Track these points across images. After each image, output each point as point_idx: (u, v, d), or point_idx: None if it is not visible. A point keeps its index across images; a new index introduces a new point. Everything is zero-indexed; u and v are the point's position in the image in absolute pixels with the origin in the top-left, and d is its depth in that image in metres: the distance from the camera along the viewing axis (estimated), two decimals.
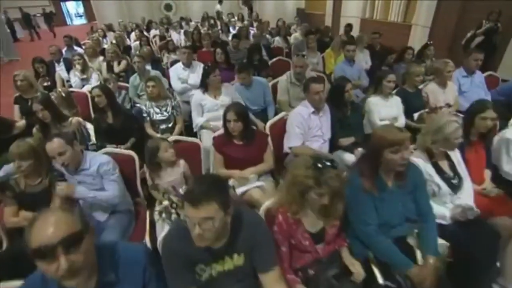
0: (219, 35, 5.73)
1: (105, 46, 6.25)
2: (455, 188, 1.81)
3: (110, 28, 8.19)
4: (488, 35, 5.18)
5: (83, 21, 21.28)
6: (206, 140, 2.72)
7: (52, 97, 2.98)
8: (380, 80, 2.68)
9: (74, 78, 3.96)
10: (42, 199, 1.78)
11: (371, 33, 4.94)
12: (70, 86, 4.03)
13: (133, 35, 7.17)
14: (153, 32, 7.92)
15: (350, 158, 2.40)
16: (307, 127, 2.32)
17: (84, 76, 3.99)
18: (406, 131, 1.51)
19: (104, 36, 7.06)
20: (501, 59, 5.42)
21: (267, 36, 5.91)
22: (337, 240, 1.57)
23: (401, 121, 2.72)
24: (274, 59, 4.32)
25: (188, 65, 3.54)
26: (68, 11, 20.95)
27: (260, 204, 1.87)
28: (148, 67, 3.94)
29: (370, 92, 2.79)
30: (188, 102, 3.50)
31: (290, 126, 2.32)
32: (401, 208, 1.57)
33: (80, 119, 2.70)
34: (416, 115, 2.85)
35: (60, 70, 4.62)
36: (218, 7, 9.64)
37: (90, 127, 2.88)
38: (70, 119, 2.55)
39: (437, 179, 1.79)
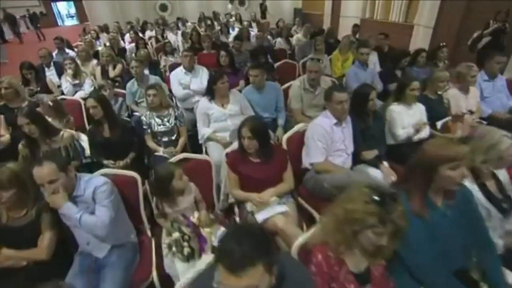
0: (219, 37, 5.43)
1: (99, 48, 5.93)
2: (506, 212, 1.58)
3: (103, 29, 7.82)
4: (495, 35, 5.01)
5: (74, 22, 20.70)
6: (213, 153, 2.45)
7: (41, 104, 2.68)
8: (403, 88, 2.45)
9: (66, 83, 3.63)
10: (28, 234, 1.50)
11: (378, 34, 4.72)
12: (62, 93, 3.71)
13: (127, 36, 6.82)
14: (149, 33, 7.59)
15: (375, 173, 2.17)
16: (329, 141, 2.07)
17: (77, 81, 3.68)
18: (463, 145, 1.30)
19: (97, 38, 6.70)
20: (508, 60, 5.26)
21: (268, 37, 5.64)
22: (383, 281, 1.32)
23: (426, 131, 2.49)
24: (280, 62, 4.06)
25: (190, 69, 3.26)
26: (59, 12, 20.35)
27: (285, 233, 1.63)
28: (146, 71, 3.64)
29: (391, 99, 2.55)
30: (190, 110, 3.23)
31: (311, 140, 2.06)
32: (457, 232, 1.34)
33: (73, 132, 2.40)
34: (440, 124, 2.63)
35: (51, 74, 4.28)
36: (229, 7, 9.35)
37: (84, 138, 2.58)
38: (62, 132, 2.25)
39: (486, 202, 1.56)
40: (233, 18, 8.59)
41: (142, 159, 2.59)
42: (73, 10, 21.08)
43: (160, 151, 2.43)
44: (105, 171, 1.81)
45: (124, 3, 9.56)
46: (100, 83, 3.13)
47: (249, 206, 1.79)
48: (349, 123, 2.20)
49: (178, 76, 3.23)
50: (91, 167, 2.48)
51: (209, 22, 8.14)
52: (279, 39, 5.53)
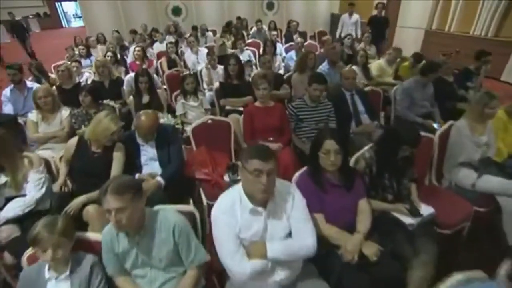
0: (270, 67, 3.27)
1: (86, 74, 3.89)
2: None
3: (100, 40, 5.75)
4: None
5: (82, 23, 18.60)
6: None
7: None
8: None
9: None
10: None
11: None
12: None
13: (131, 52, 4.72)
14: (158, 46, 5.52)
15: None
16: None
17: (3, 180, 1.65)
18: None
19: (88, 55, 4.65)
20: None
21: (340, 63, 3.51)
22: None
23: None
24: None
25: (263, 203, 1.21)
26: (64, 13, 18.23)
27: None
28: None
29: None
30: None
31: None
32: None
33: None
34: None
35: None
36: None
37: None
38: None
39: None
40: (264, 27, 6.46)
41: None
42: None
43: None
44: None
45: (128, 3, 7.42)
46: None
47: None
48: None
49: (233, 222, 1.17)
50: None
51: (234, 31, 6.03)
52: (354, 68, 3.44)
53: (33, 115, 2.45)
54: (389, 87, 3.47)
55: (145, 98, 2.77)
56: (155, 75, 3.48)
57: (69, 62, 3.89)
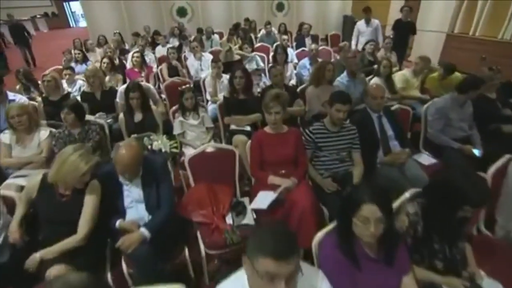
0: (283, 80, 2.85)
1: (79, 81, 3.53)
2: None
3: (102, 43, 5.41)
4: None
5: None
6: None
7: None
8: None
9: None
10: None
11: None
12: None
13: (129, 58, 4.35)
14: (160, 50, 5.16)
15: None
16: None
17: None
18: None
19: (84, 60, 4.30)
20: None
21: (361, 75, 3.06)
22: None
23: None
24: None
25: None
26: (72, 12, 18.08)
27: None
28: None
29: None
30: None
31: None
32: None
33: None
34: None
35: None
36: None
37: None
38: None
39: None
40: (274, 29, 6.04)
41: None
42: None
43: None
44: None
45: (132, 3, 7.06)
46: None
47: None
48: None
49: None
50: None
51: (241, 34, 5.59)
52: (375, 80, 3.02)
53: (6, 136, 2.09)
54: (416, 102, 3.05)
55: (137, 116, 2.39)
56: (151, 87, 3.10)
57: (60, 67, 3.56)
